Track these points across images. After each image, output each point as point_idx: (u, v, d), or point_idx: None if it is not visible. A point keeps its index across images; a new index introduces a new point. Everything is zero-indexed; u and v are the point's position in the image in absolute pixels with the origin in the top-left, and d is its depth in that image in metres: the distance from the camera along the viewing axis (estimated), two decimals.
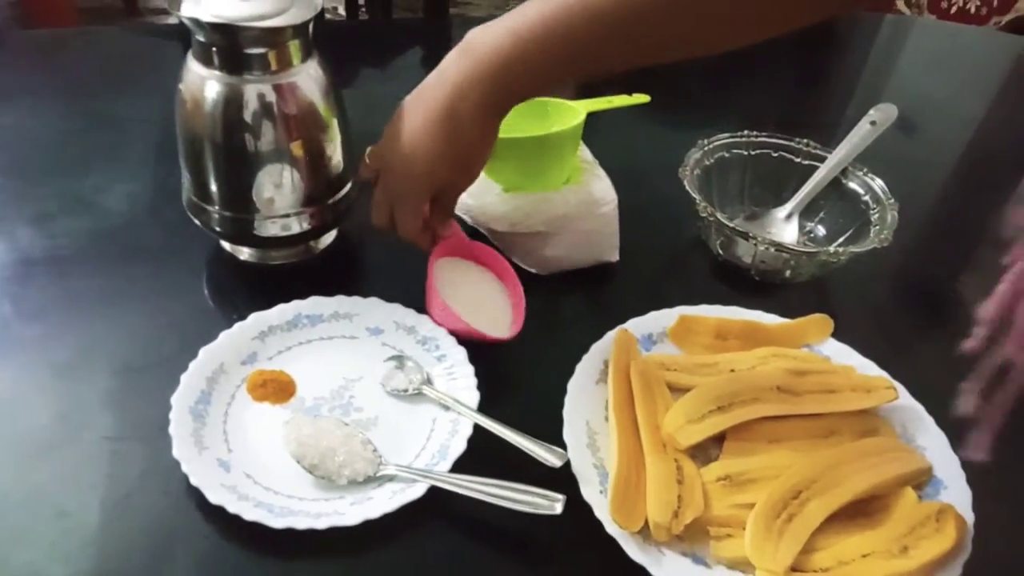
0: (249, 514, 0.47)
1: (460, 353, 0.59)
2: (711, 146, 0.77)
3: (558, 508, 0.47)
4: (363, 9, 2.33)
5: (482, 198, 0.69)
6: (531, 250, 0.68)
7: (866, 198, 0.73)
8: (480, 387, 0.56)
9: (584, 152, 0.75)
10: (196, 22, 0.55)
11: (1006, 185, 0.92)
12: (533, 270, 0.69)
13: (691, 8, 0.47)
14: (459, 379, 0.57)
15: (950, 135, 1.02)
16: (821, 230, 0.76)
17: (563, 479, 0.50)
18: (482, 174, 0.70)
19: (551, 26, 0.49)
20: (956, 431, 0.55)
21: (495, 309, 0.62)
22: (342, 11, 2.50)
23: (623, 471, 0.50)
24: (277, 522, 0.46)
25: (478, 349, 0.59)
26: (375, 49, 1.08)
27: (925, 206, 0.87)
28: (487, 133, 0.55)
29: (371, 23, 1.44)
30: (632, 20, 0.47)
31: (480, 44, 0.51)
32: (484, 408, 0.55)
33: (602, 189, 0.69)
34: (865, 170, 0.74)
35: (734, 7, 0.47)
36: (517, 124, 0.69)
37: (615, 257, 0.70)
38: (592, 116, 0.71)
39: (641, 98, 0.75)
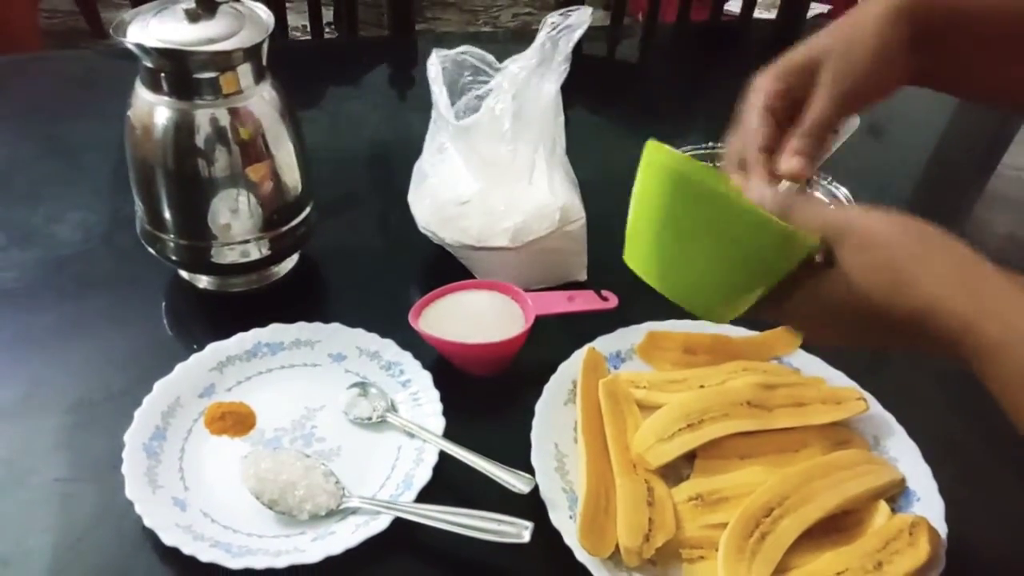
0: (205, 555, 0.45)
1: (425, 378, 0.57)
2: None
3: (526, 536, 0.46)
4: (330, 27, 2.32)
5: (443, 212, 0.67)
6: (497, 269, 0.67)
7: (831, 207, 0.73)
8: (446, 412, 0.55)
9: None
10: (142, 48, 0.53)
11: (970, 189, 0.93)
12: None
13: None
14: (424, 404, 0.56)
15: (911, 139, 1.02)
16: None
17: (532, 504, 0.49)
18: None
19: None
20: (927, 442, 0.54)
21: (499, 315, 0.61)
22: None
23: (592, 495, 0.49)
24: (234, 563, 0.45)
25: (444, 373, 0.58)
26: (340, 68, 1.07)
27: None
28: (883, 34, 0.43)
29: (336, 42, 1.43)
30: None
31: None
32: (450, 434, 0.53)
33: (569, 207, 0.68)
34: (830, 179, 0.74)
35: None
36: None
37: (583, 276, 0.69)
38: (565, 126, 0.68)
39: None
